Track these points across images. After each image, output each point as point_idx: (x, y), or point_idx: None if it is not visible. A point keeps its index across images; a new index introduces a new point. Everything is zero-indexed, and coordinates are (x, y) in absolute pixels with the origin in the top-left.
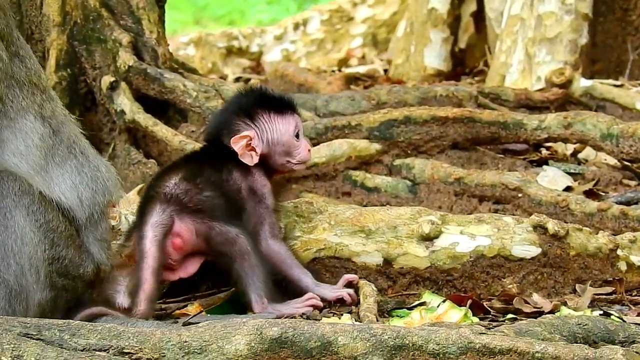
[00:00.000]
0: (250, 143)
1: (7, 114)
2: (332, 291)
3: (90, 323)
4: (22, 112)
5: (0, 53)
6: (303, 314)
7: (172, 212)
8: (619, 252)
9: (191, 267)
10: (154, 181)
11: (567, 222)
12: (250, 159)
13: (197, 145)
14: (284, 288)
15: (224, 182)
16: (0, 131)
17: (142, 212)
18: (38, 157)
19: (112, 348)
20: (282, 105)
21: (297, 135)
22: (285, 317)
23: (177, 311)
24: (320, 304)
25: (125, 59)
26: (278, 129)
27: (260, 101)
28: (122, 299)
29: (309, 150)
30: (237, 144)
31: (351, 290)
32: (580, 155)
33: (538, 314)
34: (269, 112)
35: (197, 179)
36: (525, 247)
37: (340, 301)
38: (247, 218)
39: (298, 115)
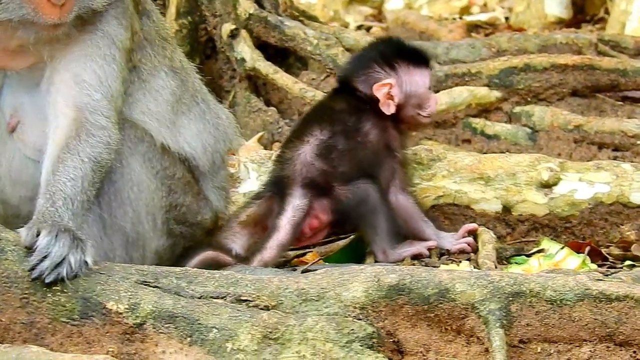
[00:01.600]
0: (390, 91)
1: (140, 76)
2: (453, 242)
3: (207, 270)
4: (154, 71)
5: (134, 25)
6: (421, 259)
7: (312, 197)
8: None
9: (320, 236)
10: (290, 143)
11: None
12: (388, 108)
13: (326, 93)
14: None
15: (361, 137)
16: (133, 92)
17: (280, 189)
18: (167, 111)
19: (230, 295)
20: (420, 58)
21: (429, 89)
22: (405, 258)
23: (295, 259)
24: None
25: (246, 6)
26: (415, 80)
27: (399, 52)
28: (239, 249)
29: (436, 103)
30: (379, 91)
31: (471, 240)
32: None
33: None
34: (408, 64)
35: (332, 150)
36: None
37: (461, 250)
38: (380, 171)
39: (431, 69)
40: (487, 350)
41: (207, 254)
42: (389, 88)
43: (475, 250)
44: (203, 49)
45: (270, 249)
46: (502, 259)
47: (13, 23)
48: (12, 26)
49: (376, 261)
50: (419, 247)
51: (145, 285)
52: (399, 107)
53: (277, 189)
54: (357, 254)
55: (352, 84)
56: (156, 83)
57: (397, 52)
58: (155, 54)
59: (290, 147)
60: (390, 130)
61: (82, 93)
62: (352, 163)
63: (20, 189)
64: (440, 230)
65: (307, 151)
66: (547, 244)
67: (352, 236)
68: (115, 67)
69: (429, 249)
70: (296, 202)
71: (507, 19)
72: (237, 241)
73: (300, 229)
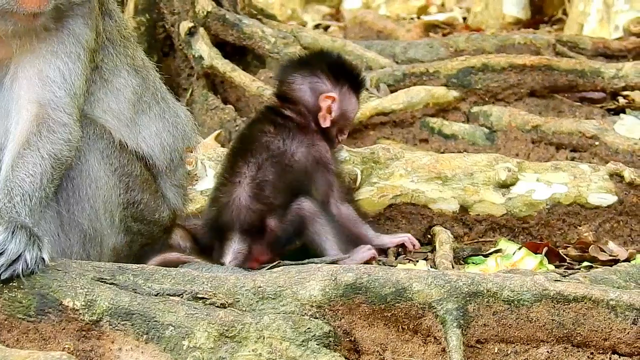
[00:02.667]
0: (331, 105)
1: (102, 76)
2: (391, 238)
3: (164, 268)
4: (115, 70)
5: (99, 26)
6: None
7: (250, 241)
8: None
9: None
10: (223, 186)
11: None
12: (324, 121)
13: (247, 120)
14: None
15: (288, 160)
16: (95, 91)
17: (219, 231)
18: (128, 110)
19: (186, 293)
20: (360, 84)
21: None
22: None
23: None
24: (375, 253)
25: (204, 4)
26: (352, 103)
27: (346, 71)
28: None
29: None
30: (324, 102)
31: (409, 235)
32: None
33: (613, 262)
34: (350, 85)
35: (264, 185)
36: (601, 195)
37: (403, 247)
38: (315, 187)
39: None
40: (444, 350)
41: (167, 256)
42: (332, 101)
43: (432, 250)
44: (161, 47)
45: None
46: (460, 259)
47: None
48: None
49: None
50: (371, 252)
51: (102, 282)
52: (330, 124)
53: (215, 234)
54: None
55: (289, 90)
56: (118, 82)
57: (344, 70)
58: (117, 54)
59: (223, 190)
60: (318, 143)
61: (45, 89)
62: (286, 191)
63: None
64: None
65: (241, 194)
66: (504, 244)
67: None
68: (80, 66)
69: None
70: (236, 247)
71: (465, 19)
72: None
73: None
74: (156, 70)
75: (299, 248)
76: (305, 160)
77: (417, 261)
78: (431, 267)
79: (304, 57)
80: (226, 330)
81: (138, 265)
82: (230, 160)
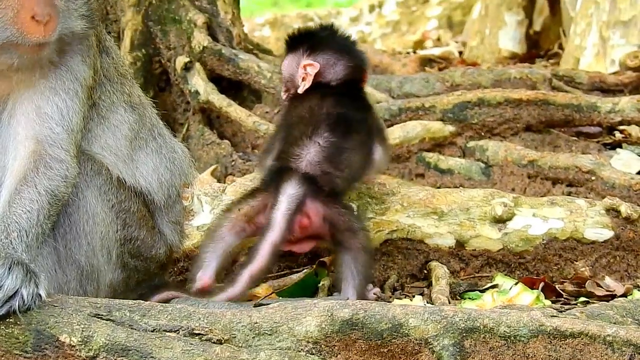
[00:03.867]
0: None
1: (99, 113)
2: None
3: (160, 304)
4: (112, 107)
5: (96, 63)
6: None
7: (306, 191)
8: None
9: (306, 246)
10: (298, 141)
11: None
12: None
13: (313, 96)
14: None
15: (361, 137)
16: (92, 128)
17: (277, 179)
18: (125, 146)
19: (183, 329)
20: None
21: None
22: None
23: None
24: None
25: (200, 39)
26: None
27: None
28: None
29: None
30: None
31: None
32: None
33: (610, 297)
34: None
35: (341, 154)
36: (597, 230)
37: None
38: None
39: None
40: None
41: (166, 294)
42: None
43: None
44: (157, 82)
45: (263, 251)
46: (456, 294)
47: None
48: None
49: (330, 294)
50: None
51: (99, 318)
52: None
53: (274, 179)
54: (310, 288)
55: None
56: (115, 119)
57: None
58: (114, 91)
59: (299, 144)
60: None
61: (43, 126)
62: (353, 167)
63: None
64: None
65: (314, 151)
66: (501, 279)
67: (305, 270)
68: (78, 103)
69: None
70: (291, 191)
71: (460, 53)
72: (228, 238)
73: (293, 225)
74: (152, 107)
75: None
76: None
77: (414, 296)
78: (427, 302)
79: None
80: None
81: (134, 301)
82: (307, 124)
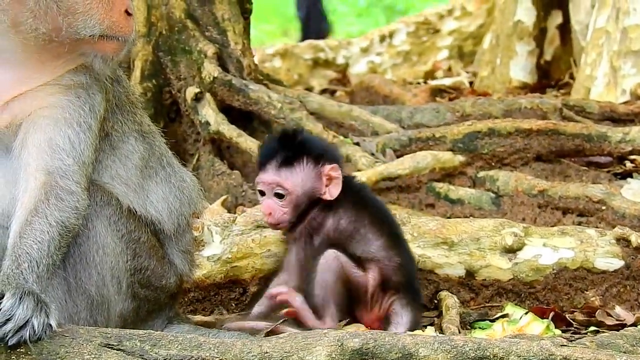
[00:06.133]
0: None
1: (111, 144)
2: None
3: (171, 333)
4: (124, 137)
5: (109, 94)
6: None
7: None
8: None
9: None
10: None
11: None
12: None
13: None
14: None
15: None
16: (103, 159)
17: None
18: (136, 176)
19: (193, 358)
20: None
21: None
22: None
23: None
24: None
25: (210, 70)
26: None
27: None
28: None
29: None
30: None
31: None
32: None
33: (621, 326)
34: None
35: None
36: (608, 259)
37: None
38: None
39: None
40: None
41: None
42: None
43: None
44: (167, 112)
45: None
46: (466, 324)
47: (84, 41)
48: (76, 44)
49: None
50: None
51: (109, 347)
52: None
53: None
54: None
55: None
56: (126, 149)
57: None
58: (126, 120)
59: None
60: None
61: (55, 157)
62: None
63: None
64: None
65: None
66: (511, 309)
67: None
68: (90, 136)
69: None
70: None
71: (471, 83)
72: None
73: None
74: (161, 135)
75: None
76: None
77: (425, 327)
78: (438, 332)
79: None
80: None
81: (145, 331)
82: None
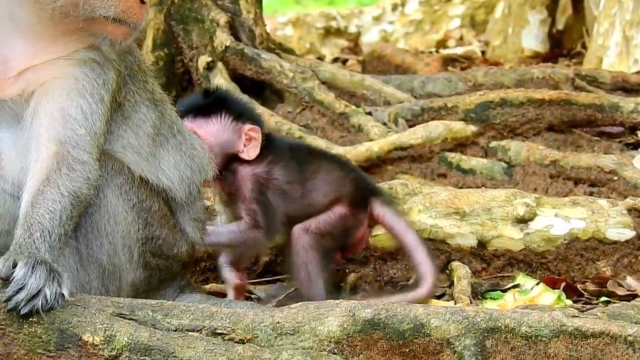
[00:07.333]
0: None
1: (123, 114)
2: None
3: (183, 303)
4: (136, 106)
5: (121, 67)
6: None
7: None
8: None
9: None
10: None
11: None
12: None
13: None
14: None
15: None
16: (115, 130)
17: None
18: (148, 144)
19: (205, 328)
20: None
21: None
22: None
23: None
24: None
25: (222, 39)
26: None
27: None
28: None
29: None
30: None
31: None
32: None
33: (632, 297)
34: None
35: None
36: (619, 230)
37: None
38: None
39: None
40: None
41: None
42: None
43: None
44: (179, 81)
45: None
46: (478, 294)
47: (97, 21)
48: (89, 23)
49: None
50: None
51: (121, 317)
52: None
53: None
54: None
55: None
56: (138, 117)
57: None
58: (137, 89)
59: None
60: None
61: (67, 127)
62: None
63: None
64: None
65: None
66: (522, 279)
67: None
68: (102, 108)
69: None
70: None
71: (483, 52)
72: None
73: None
74: (172, 103)
75: None
76: None
77: (438, 297)
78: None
79: None
80: None
81: (157, 300)
82: None
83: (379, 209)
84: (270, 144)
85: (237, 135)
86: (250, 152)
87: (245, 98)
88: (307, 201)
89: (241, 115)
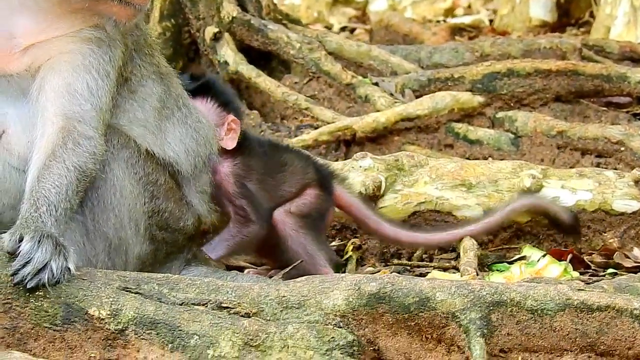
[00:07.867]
0: None
1: (129, 88)
2: None
3: (189, 277)
4: (142, 80)
5: (127, 41)
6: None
7: None
8: None
9: None
10: None
11: None
12: None
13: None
14: None
15: None
16: (121, 104)
17: None
18: (154, 118)
19: (211, 302)
20: None
21: None
22: None
23: None
24: None
25: (229, 9)
26: None
27: None
28: None
29: None
30: None
31: None
32: None
33: (638, 268)
34: None
35: None
36: (626, 201)
37: None
38: None
39: None
40: (467, 359)
41: None
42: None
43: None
44: (186, 52)
45: None
46: (484, 266)
47: (103, 1)
48: (95, 3)
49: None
50: None
51: (127, 291)
52: None
53: None
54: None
55: None
56: (144, 91)
57: None
58: (144, 63)
59: None
60: None
61: (73, 102)
62: None
63: (3, 196)
64: None
65: None
66: (529, 251)
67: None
68: (108, 83)
69: None
70: None
71: (491, 21)
72: None
73: None
74: (177, 76)
75: None
76: None
77: (444, 270)
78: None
79: None
80: (250, 339)
81: (163, 274)
82: None
83: (337, 190)
84: (244, 139)
85: (220, 122)
86: (229, 142)
87: (233, 90)
88: (279, 192)
89: (227, 104)
